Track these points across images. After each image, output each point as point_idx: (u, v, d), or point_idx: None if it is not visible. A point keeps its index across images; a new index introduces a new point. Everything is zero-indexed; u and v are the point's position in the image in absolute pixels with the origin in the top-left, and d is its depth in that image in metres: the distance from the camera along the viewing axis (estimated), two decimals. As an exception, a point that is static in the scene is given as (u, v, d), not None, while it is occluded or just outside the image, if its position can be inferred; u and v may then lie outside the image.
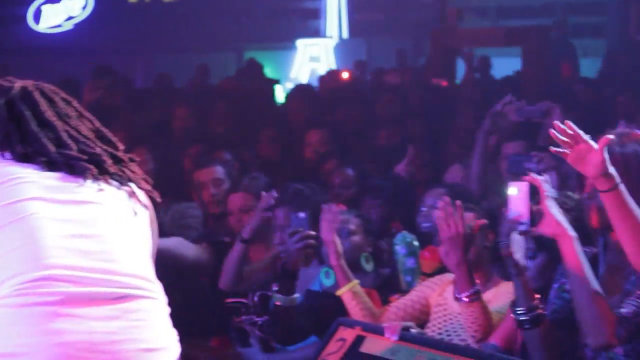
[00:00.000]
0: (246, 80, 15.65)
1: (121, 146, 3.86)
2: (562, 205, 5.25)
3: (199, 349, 6.61)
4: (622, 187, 4.35)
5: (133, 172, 3.83)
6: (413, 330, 5.27)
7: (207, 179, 8.18)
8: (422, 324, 6.03)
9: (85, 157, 3.65)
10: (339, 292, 6.10)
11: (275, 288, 6.40)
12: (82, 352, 3.26)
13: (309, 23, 23.67)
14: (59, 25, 20.28)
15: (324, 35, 23.55)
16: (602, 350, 4.72)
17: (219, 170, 8.24)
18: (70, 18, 20.28)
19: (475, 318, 5.46)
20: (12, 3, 20.18)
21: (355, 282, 6.16)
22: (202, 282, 7.48)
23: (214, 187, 8.07)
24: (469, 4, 23.23)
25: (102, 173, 3.67)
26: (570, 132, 4.41)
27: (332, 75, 15.96)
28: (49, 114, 3.69)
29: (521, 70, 14.57)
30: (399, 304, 6.19)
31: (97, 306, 3.38)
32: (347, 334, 5.02)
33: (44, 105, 3.71)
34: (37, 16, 20.06)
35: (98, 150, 3.73)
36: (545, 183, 4.76)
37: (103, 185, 3.66)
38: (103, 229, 3.58)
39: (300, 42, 23.22)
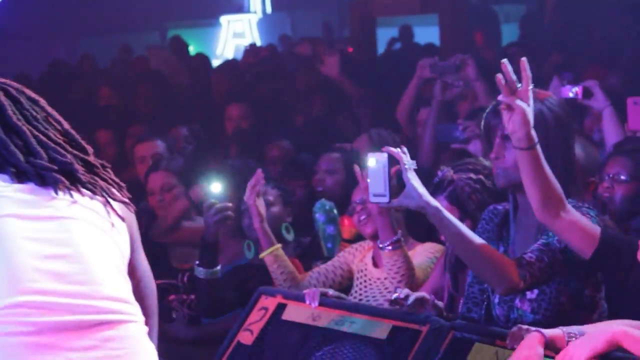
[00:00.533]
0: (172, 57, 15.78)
1: (91, 150, 3.61)
2: (474, 169, 5.54)
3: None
4: (539, 147, 4.42)
5: (105, 180, 3.58)
6: (331, 294, 5.32)
7: (147, 153, 8.12)
8: (345, 289, 6.10)
9: (55, 167, 3.39)
10: (261, 255, 6.09)
11: (197, 262, 6.40)
12: None
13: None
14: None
15: (247, 11, 23.46)
16: (511, 293, 4.81)
17: (159, 145, 8.16)
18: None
19: (398, 267, 5.54)
20: None
21: (278, 245, 6.13)
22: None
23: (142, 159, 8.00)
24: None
25: (73, 182, 3.43)
26: (514, 77, 4.40)
27: (253, 50, 15.94)
28: (16, 118, 3.41)
29: (440, 38, 14.60)
30: (321, 269, 6.24)
31: (74, 335, 3.23)
32: (269, 303, 5.04)
33: (9, 108, 3.41)
34: None
35: (69, 157, 3.46)
36: (405, 155, 4.67)
37: (76, 196, 3.42)
38: (78, 246, 3.36)
39: (224, 18, 23.10)
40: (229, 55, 20.59)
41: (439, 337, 4.41)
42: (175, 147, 8.59)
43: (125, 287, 3.42)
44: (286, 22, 22.40)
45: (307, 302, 4.92)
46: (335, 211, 6.71)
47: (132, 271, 3.59)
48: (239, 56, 18.13)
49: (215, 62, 17.37)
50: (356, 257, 6.19)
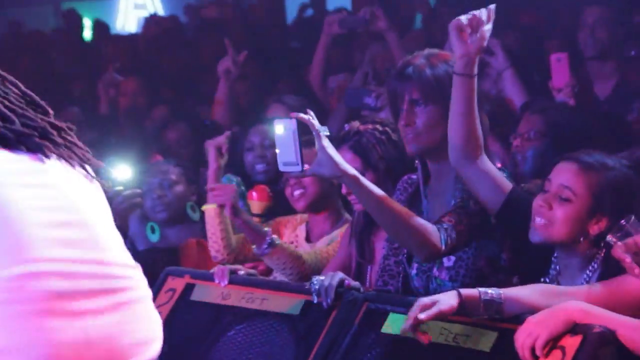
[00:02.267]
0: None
1: (51, 111, 3.41)
2: (381, 122, 5.62)
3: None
4: (475, 81, 4.48)
5: (74, 142, 3.45)
6: (241, 272, 5.30)
7: None
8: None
9: (35, 132, 3.29)
10: (204, 207, 6.12)
11: None
12: (79, 350, 3.10)
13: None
14: None
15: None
16: (433, 259, 4.85)
17: None
18: None
19: (283, 263, 5.60)
20: None
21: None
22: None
23: None
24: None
25: (56, 147, 3.35)
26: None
27: (153, 20, 15.84)
28: None
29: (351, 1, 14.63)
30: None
31: (89, 300, 3.16)
32: (176, 284, 5.04)
33: None
34: None
35: (40, 121, 3.35)
36: (315, 120, 4.58)
37: (60, 161, 3.34)
38: (82, 212, 3.31)
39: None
40: (131, 29, 20.39)
41: (353, 310, 4.42)
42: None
43: (126, 251, 3.36)
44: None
45: (216, 280, 4.92)
46: (242, 187, 6.72)
47: None
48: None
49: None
50: (288, 229, 6.28)
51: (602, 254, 4.18)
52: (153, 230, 6.51)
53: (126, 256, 3.27)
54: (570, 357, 3.78)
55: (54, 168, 3.26)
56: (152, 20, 15.85)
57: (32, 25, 16.83)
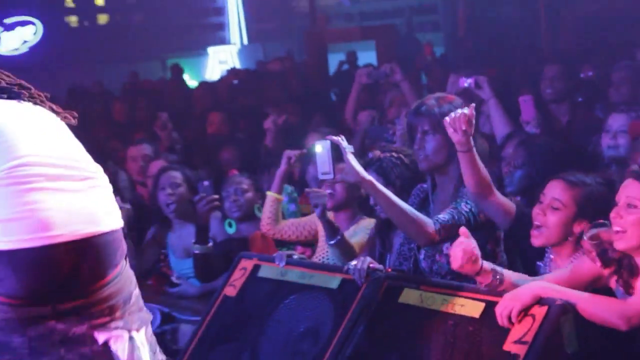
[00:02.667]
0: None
1: (30, 86, 3.82)
2: (395, 151, 5.71)
3: (141, 287, 6.60)
4: (475, 150, 4.54)
5: (40, 95, 3.77)
6: (295, 256, 5.32)
7: (138, 154, 7.96)
8: (310, 243, 6.42)
9: (15, 86, 3.67)
10: (269, 193, 6.28)
11: (193, 241, 6.44)
12: (65, 216, 3.28)
13: (217, 34, 23.45)
14: (17, 49, 19.97)
15: (229, 43, 23.36)
16: (429, 245, 4.95)
17: (147, 148, 8.00)
18: (25, 42, 19.99)
19: (342, 256, 5.69)
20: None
21: (281, 197, 6.40)
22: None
23: (143, 161, 7.80)
24: (339, 10, 23.31)
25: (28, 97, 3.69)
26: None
27: (232, 72, 15.88)
28: None
29: (377, 59, 14.59)
30: (295, 222, 6.47)
31: (70, 182, 3.40)
32: (247, 264, 5.03)
33: None
34: (-5, 42, 19.76)
35: (18, 88, 3.70)
36: (343, 141, 4.74)
37: (31, 103, 3.67)
38: (53, 128, 3.58)
39: (211, 49, 22.97)
40: (216, 78, 20.46)
41: (377, 286, 4.41)
42: (159, 150, 8.39)
43: (89, 156, 3.61)
44: (259, 51, 22.23)
45: (276, 262, 4.92)
46: (295, 194, 6.76)
47: None
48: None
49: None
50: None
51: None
52: (230, 225, 6.53)
53: (90, 158, 3.58)
54: (538, 323, 3.76)
55: (28, 105, 3.61)
56: (232, 72, 15.90)
57: (145, 76, 16.91)
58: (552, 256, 4.55)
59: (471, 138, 4.51)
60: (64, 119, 3.73)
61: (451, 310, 4.06)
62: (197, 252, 6.36)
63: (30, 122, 3.54)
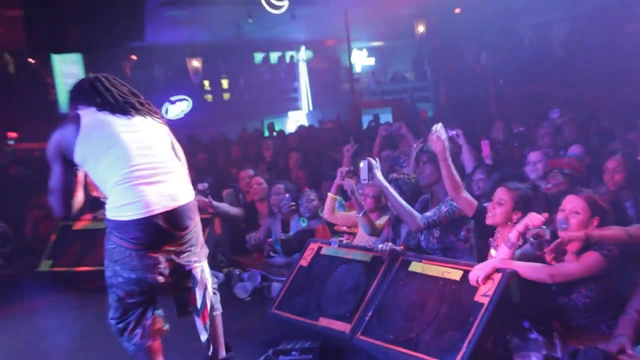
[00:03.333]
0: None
1: (142, 96, 3.94)
2: (405, 174, 5.69)
3: (249, 259, 6.60)
4: (450, 159, 4.63)
5: (150, 107, 3.91)
6: (344, 241, 5.30)
7: (245, 175, 7.78)
8: (352, 233, 6.26)
9: (127, 105, 3.79)
10: (330, 194, 6.19)
11: (280, 231, 6.47)
12: (158, 198, 3.64)
13: (294, 103, 23.50)
14: (177, 115, 20.25)
15: (301, 109, 23.42)
16: (418, 231, 5.07)
17: (250, 172, 7.82)
18: (182, 111, 20.32)
19: (366, 225, 5.71)
20: (156, 106, 20.00)
21: (338, 197, 6.35)
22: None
23: (249, 179, 7.57)
24: (368, 89, 23.34)
25: (136, 111, 3.81)
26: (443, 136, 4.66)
27: (302, 128, 15.89)
28: (107, 84, 3.82)
29: (392, 119, 14.53)
30: (344, 214, 6.37)
31: (160, 176, 3.71)
32: (314, 246, 4.99)
33: (105, 81, 3.83)
34: (166, 111, 20.02)
35: (132, 99, 3.82)
36: (376, 162, 5.00)
37: (139, 117, 3.80)
38: (151, 142, 3.78)
39: (290, 113, 23.09)
40: (293, 131, 20.51)
41: (395, 259, 4.37)
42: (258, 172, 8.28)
43: (172, 155, 3.90)
44: (319, 114, 22.18)
45: (332, 245, 4.89)
46: (343, 201, 6.71)
47: (174, 147, 3.97)
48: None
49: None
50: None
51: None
52: (303, 222, 6.49)
53: (174, 159, 3.89)
54: (496, 283, 3.74)
55: (136, 121, 3.78)
56: (302, 127, 15.91)
57: (250, 130, 16.99)
58: (498, 235, 4.48)
59: (447, 151, 4.61)
60: (164, 123, 3.97)
61: (441, 275, 4.02)
62: (283, 237, 6.35)
63: (136, 135, 3.75)
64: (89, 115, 3.72)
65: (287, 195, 6.54)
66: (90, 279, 6.12)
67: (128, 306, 3.77)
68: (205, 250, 4.02)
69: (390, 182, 5.34)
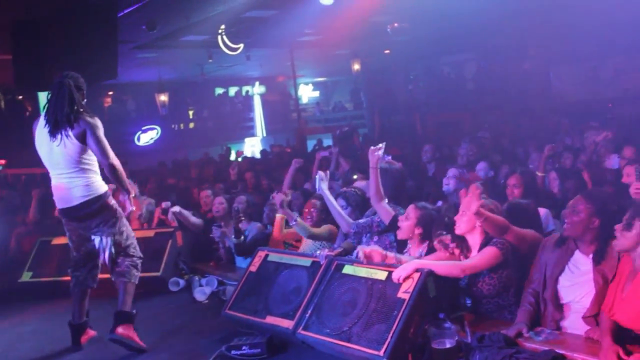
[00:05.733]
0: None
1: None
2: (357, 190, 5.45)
3: (207, 267, 6.43)
4: (378, 170, 4.65)
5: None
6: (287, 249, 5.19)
7: (204, 195, 7.56)
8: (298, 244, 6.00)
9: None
10: (277, 215, 5.92)
11: (233, 236, 6.17)
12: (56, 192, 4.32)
13: (250, 131, 23.36)
14: (147, 142, 19.95)
15: (256, 135, 23.30)
16: (349, 233, 4.95)
17: (209, 192, 7.55)
18: (152, 138, 20.04)
19: (302, 229, 5.44)
20: (128, 134, 19.81)
21: (284, 216, 5.86)
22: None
23: (206, 198, 7.40)
24: (313, 118, 23.36)
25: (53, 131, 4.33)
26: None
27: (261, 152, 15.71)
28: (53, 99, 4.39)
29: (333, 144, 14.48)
30: (291, 231, 5.95)
31: (57, 181, 4.32)
32: (262, 254, 4.86)
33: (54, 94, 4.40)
34: (138, 139, 19.72)
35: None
36: (323, 175, 5.04)
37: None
38: (53, 152, 4.29)
39: (247, 139, 22.97)
40: (250, 155, 20.38)
41: (330, 263, 4.30)
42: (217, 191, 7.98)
43: (72, 165, 4.32)
44: (272, 140, 22.04)
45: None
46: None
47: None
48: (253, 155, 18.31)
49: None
50: None
51: (427, 242, 4.10)
52: (267, 228, 6.35)
53: (71, 166, 4.35)
54: (415, 281, 3.71)
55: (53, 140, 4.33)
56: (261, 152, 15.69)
57: (213, 154, 16.78)
58: (410, 245, 4.50)
59: (379, 162, 4.58)
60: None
61: (370, 276, 3.97)
62: (235, 241, 6.14)
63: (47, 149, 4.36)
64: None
65: (164, 204, 6.52)
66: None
67: None
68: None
69: (339, 194, 5.30)
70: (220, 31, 12.19)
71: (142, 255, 4.78)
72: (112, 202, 4.54)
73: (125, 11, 9.39)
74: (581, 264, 3.56)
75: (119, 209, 4.60)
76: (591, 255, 3.52)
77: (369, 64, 17.77)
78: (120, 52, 8.55)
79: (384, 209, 4.61)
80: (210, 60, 14.62)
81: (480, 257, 3.83)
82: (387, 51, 17.24)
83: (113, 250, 4.55)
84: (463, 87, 18.51)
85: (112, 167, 4.33)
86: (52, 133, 4.32)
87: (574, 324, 3.52)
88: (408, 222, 4.38)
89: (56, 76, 4.42)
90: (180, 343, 4.54)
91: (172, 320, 5.12)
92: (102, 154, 4.31)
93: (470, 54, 18.20)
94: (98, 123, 4.36)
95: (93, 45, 8.14)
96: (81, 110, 4.34)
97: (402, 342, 3.52)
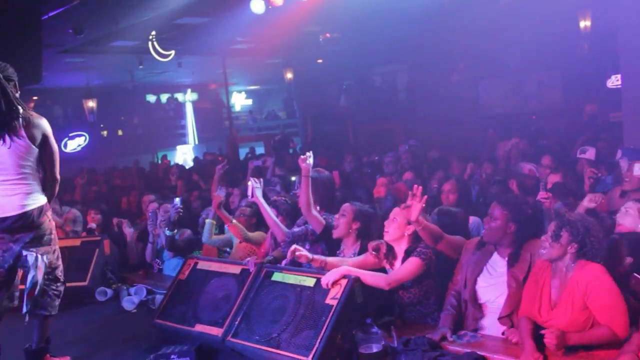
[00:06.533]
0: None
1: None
2: (288, 200, 5.38)
3: (136, 276, 6.35)
4: (310, 180, 4.53)
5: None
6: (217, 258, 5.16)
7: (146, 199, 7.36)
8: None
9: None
10: (207, 219, 5.88)
11: (167, 228, 6.10)
12: None
13: (182, 138, 23.07)
14: (75, 149, 19.45)
15: (187, 143, 23.04)
16: (284, 242, 4.83)
17: (151, 197, 7.40)
18: (79, 145, 19.56)
19: (235, 233, 5.50)
20: (56, 141, 19.13)
21: (214, 222, 5.92)
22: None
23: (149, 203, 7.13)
24: (245, 126, 23.30)
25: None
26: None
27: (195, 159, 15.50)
28: None
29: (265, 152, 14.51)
30: (221, 237, 6.04)
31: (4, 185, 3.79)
32: (191, 262, 4.85)
33: None
34: (65, 145, 19.17)
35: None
36: (256, 183, 4.89)
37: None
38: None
39: (179, 147, 22.64)
40: (181, 162, 20.11)
41: (260, 271, 4.34)
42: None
43: (19, 169, 3.79)
44: (204, 147, 21.79)
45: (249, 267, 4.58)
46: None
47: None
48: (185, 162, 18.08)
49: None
50: None
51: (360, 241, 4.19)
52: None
53: (19, 171, 3.81)
54: (342, 287, 3.80)
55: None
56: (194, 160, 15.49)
57: (143, 162, 16.49)
58: (343, 246, 4.54)
59: (310, 171, 4.52)
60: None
61: (298, 283, 4.03)
62: (168, 234, 6.06)
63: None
64: None
65: (176, 200, 6.24)
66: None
67: None
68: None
69: (271, 203, 5.27)
70: (151, 37, 12.01)
71: (64, 281, 4.25)
72: (50, 215, 4.09)
73: (51, 14, 9.13)
74: (498, 265, 3.72)
75: (53, 225, 4.14)
76: (506, 259, 3.69)
77: (302, 73, 17.87)
78: (45, 57, 8.29)
79: (314, 218, 4.62)
80: (141, 67, 14.36)
81: (404, 269, 3.93)
82: (319, 60, 17.39)
83: (45, 271, 4.00)
84: (394, 97, 18.86)
85: (56, 183, 3.96)
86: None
87: (492, 323, 3.67)
88: (344, 218, 4.41)
89: None
90: (108, 354, 4.46)
91: (99, 330, 5.03)
92: (53, 165, 3.93)
93: (402, 65, 18.58)
94: (49, 126, 3.97)
95: (16, 48, 7.87)
96: (19, 105, 3.82)
97: (330, 347, 3.58)
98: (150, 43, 12.15)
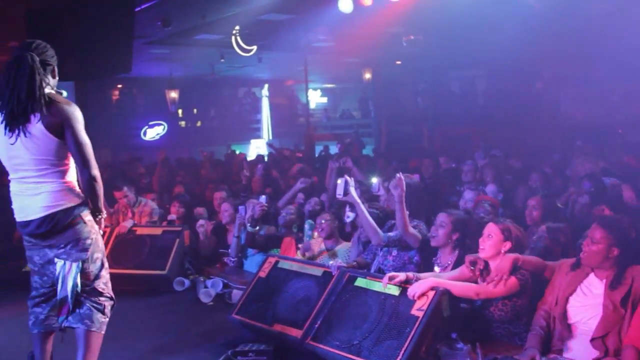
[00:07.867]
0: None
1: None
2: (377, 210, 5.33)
3: (213, 268, 6.35)
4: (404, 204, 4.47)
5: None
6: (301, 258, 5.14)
7: (218, 196, 7.44)
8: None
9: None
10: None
11: (249, 224, 5.96)
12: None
13: (256, 133, 23.37)
14: (154, 137, 19.95)
15: (262, 137, 23.28)
16: (379, 245, 4.80)
17: (223, 194, 7.34)
18: (158, 134, 20.05)
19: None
20: (135, 129, 19.85)
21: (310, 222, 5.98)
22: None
23: (221, 200, 7.09)
24: (321, 124, 23.34)
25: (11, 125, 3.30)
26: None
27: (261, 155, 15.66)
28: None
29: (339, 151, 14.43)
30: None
31: (23, 182, 3.34)
32: (272, 260, 4.80)
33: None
34: (144, 133, 19.71)
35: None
36: (350, 180, 4.71)
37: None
38: (22, 152, 3.30)
39: (253, 141, 22.94)
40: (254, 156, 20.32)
41: (342, 275, 4.27)
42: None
43: (40, 166, 3.28)
44: (278, 142, 21.97)
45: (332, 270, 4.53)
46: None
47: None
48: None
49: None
50: None
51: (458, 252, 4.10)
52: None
53: (38, 168, 3.33)
54: (430, 299, 3.66)
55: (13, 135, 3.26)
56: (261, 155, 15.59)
57: (217, 154, 16.64)
58: (440, 254, 4.48)
59: (403, 196, 4.43)
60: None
61: (383, 290, 3.93)
62: (250, 230, 5.93)
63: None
64: None
65: (263, 196, 6.14)
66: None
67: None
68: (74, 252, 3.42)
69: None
70: (234, 32, 12.14)
71: (113, 296, 3.61)
72: (88, 217, 3.44)
73: (143, 6, 9.34)
74: (594, 287, 3.53)
75: (96, 227, 3.50)
76: (604, 280, 3.49)
77: (380, 74, 17.74)
78: (133, 47, 8.49)
79: (412, 236, 4.57)
80: (222, 60, 14.57)
81: (500, 285, 3.81)
82: (398, 62, 17.21)
83: (78, 281, 3.39)
84: (473, 102, 18.48)
85: (93, 180, 3.30)
86: (10, 126, 3.25)
87: (579, 346, 3.48)
88: (443, 229, 4.36)
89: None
90: (185, 345, 4.48)
91: (177, 320, 5.06)
92: (83, 160, 3.26)
93: (479, 70, 18.18)
94: (78, 114, 3.28)
95: (108, 38, 8.08)
96: (49, 93, 3.27)
97: (414, 360, 3.47)
98: (233, 37, 12.29)
